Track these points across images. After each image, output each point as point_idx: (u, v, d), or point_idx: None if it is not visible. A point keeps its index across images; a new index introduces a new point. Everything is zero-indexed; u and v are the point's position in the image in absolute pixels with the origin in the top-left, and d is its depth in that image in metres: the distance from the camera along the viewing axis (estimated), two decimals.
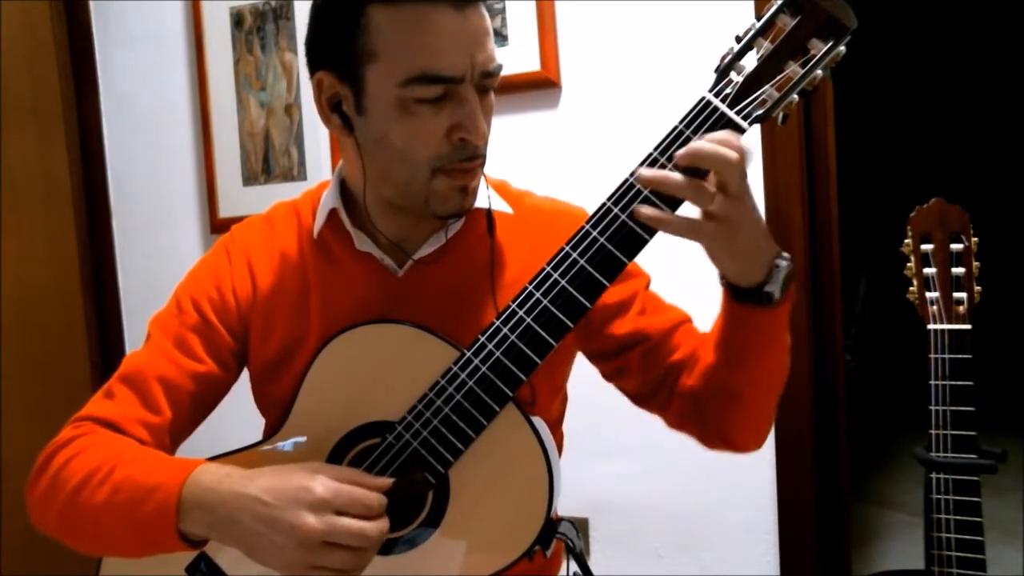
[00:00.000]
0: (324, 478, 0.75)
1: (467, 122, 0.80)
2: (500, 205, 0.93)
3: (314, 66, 0.85)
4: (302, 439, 0.84)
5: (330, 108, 0.85)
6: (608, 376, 0.97)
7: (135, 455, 0.83)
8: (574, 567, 0.90)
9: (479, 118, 0.81)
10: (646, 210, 0.72)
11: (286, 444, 0.85)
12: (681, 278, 1.14)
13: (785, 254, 0.77)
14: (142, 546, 0.80)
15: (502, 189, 0.97)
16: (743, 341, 0.81)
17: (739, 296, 0.78)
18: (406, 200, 0.86)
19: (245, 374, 0.97)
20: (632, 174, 0.74)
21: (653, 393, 0.92)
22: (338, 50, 0.81)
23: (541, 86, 1.67)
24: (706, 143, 0.70)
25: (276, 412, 0.89)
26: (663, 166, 0.73)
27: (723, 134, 0.71)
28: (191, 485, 0.77)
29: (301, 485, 0.74)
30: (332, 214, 0.93)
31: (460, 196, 0.85)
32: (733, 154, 0.69)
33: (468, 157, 0.83)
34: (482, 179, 0.90)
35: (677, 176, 0.71)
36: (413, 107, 0.80)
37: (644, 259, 0.96)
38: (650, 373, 0.92)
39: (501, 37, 1.68)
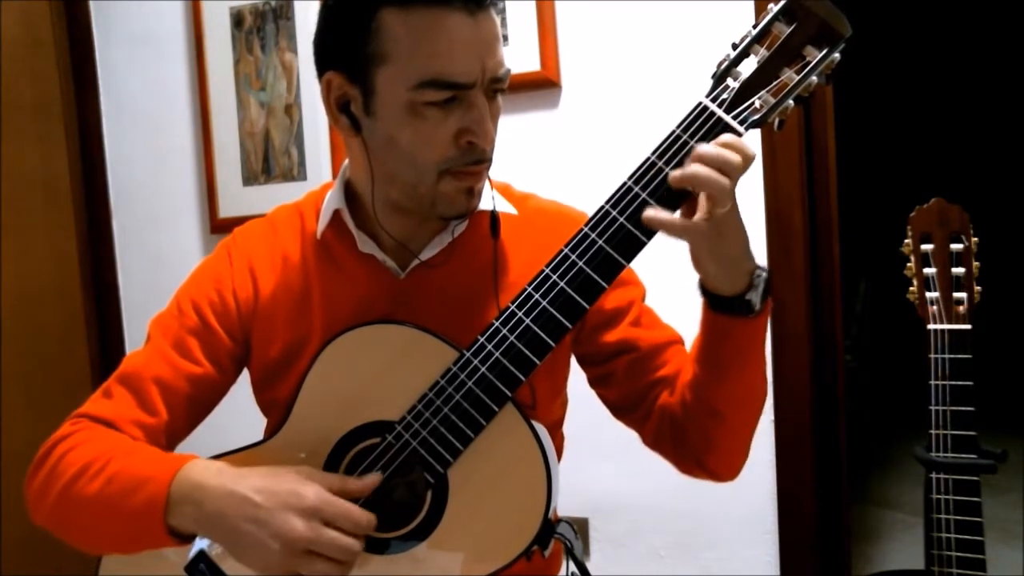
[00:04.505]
0: (317, 486, 0.75)
1: (475, 126, 0.81)
2: (504, 207, 0.94)
3: (323, 66, 0.85)
4: (301, 455, 0.84)
5: (338, 109, 0.85)
6: (593, 382, 0.97)
7: (131, 449, 0.83)
8: (572, 567, 0.90)
9: (487, 123, 0.82)
10: (647, 212, 0.73)
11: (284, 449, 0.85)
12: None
13: (762, 266, 0.79)
14: (131, 539, 0.80)
15: (505, 192, 0.97)
16: (725, 354, 0.81)
17: (720, 306, 0.79)
18: (412, 201, 0.87)
19: (244, 375, 0.97)
20: (631, 177, 0.75)
21: (633, 406, 0.93)
22: (348, 52, 0.81)
23: (541, 86, 1.67)
24: (704, 145, 0.71)
25: (279, 413, 0.89)
26: (660, 170, 0.74)
27: (729, 138, 0.71)
28: (180, 479, 0.77)
29: (292, 490, 0.74)
30: (335, 215, 0.93)
31: (466, 198, 0.85)
32: (735, 156, 0.70)
33: (475, 160, 0.83)
34: (486, 181, 0.90)
35: (704, 170, 0.70)
36: (422, 110, 0.80)
37: (643, 273, 0.96)
38: (633, 385, 0.92)
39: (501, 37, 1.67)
